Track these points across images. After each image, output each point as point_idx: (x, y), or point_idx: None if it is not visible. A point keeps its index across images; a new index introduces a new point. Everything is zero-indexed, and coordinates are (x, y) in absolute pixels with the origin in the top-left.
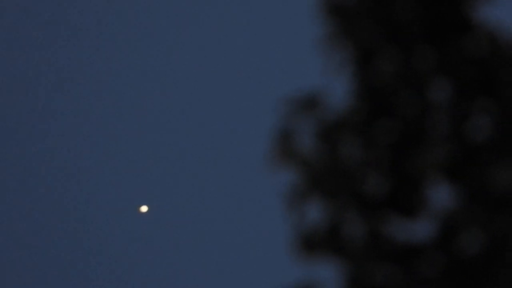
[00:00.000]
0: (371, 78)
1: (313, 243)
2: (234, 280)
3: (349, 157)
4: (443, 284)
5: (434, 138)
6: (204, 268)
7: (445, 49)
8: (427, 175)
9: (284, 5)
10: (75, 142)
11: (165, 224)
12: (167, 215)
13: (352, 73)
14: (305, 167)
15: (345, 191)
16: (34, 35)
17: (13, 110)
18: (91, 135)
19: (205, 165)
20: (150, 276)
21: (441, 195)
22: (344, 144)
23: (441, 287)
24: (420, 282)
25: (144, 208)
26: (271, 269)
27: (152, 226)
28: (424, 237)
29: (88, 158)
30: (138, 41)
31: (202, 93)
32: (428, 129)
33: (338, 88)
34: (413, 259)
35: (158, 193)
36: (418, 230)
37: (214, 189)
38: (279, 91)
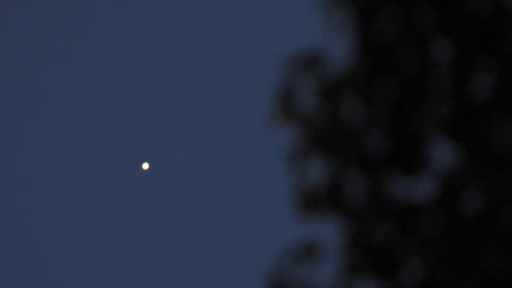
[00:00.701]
0: (372, 36)
1: (314, 201)
2: (235, 238)
3: (350, 115)
4: (445, 242)
5: (435, 97)
6: (205, 227)
7: (447, 7)
8: (428, 134)
9: None
10: (71, 97)
11: (167, 183)
12: (170, 173)
13: (353, 31)
14: (306, 125)
15: (346, 149)
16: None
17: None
18: (89, 90)
19: (206, 122)
20: (152, 235)
21: (442, 154)
22: (345, 102)
23: (443, 246)
24: (421, 241)
25: (145, 166)
26: (272, 228)
27: (154, 184)
28: (425, 196)
29: (85, 113)
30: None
31: (201, 50)
32: (429, 87)
33: (339, 47)
34: (414, 218)
35: (159, 150)
36: (419, 188)
37: (218, 147)
38: (279, 49)
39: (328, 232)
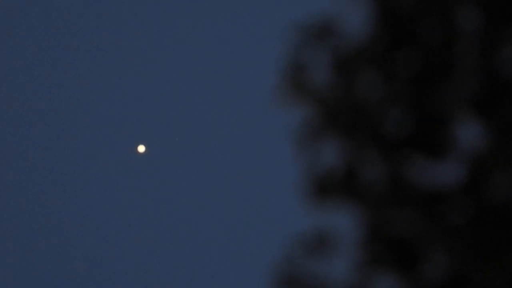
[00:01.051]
0: (392, 3)
1: (327, 187)
2: (239, 228)
3: (367, 91)
4: (471, 233)
5: (462, 71)
6: (207, 215)
7: None
8: (454, 112)
9: None
10: (67, 80)
11: (163, 166)
12: (166, 155)
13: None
14: (318, 103)
15: (363, 129)
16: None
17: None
18: (86, 72)
19: (209, 100)
20: (148, 219)
21: (469, 134)
22: (362, 77)
23: (469, 237)
24: (446, 231)
25: (141, 148)
26: (280, 217)
27: (150, 167)
28: (450, 181)
29: (82, 96)
30: None
31: (205, 20)
32: (454, 60)
33: (355, 15)
34: (439, 206)
35: (156, 132)
36: (444, 173)
37: (219, 127)
38: (287, 18)
39: (343, 221)
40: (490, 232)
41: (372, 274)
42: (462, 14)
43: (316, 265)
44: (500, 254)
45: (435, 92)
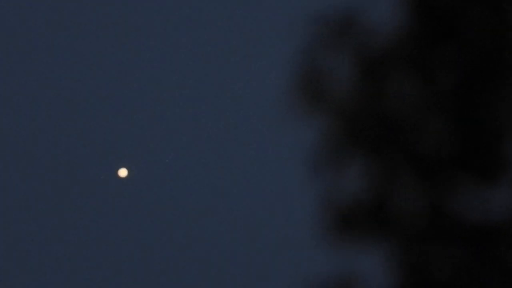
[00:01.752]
0: None
1: (351, 220)
2: (243, 270)
3: (401, 99)
4: None
5: None
6: (200, 253)
7: None
8: (508, 127)
9: None
10: (46, 98)
11: (148, 191)
12: (151, 180)
13: None
14: (340, 114)
15: (396, 147)
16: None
17: None
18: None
19: (201, 109)
20: (130, 247)
21: None
22: (394, 81)
23: None
24: (498, 272)
25: (123, 172)
26: (294, 256)
27: (133, 192)
28: (503, 211)
29: (57, 115)
30: None
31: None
32: (509, 60)
33: (383, 5)
34: (489, 241)
35: (139, 154)
36: (497, 201)
37: (217, 145)
38: (303, 10)
39: (371, 261)
40: None
41: None
42: None
43: None
44: None
45: (485, 101)
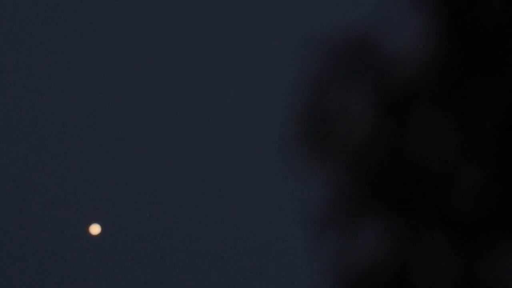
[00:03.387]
0: (463, 16)
1: None
2: None
3: (429, 144)
4: None
5: None
6: None
7: None
8: None
9: None
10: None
11: (122, 249)
12: (125, 237)
13: (432, 9)
14: (355, 162)
15: (422, 204)
16: None
17: None
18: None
19: (185, 158)
20: None
21: None
22: (420, 123)
23: None
24: None
25: (95, 229)
26: None
27: (106, 251)
28: None
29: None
30: None
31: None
32: None
33: (407, 29)
34: None
35: (113, 209)
36: None
37: (200, 199)
38: (311, 32)
39: None
40: None
41: None
42: None
43: None
44: None
45: None
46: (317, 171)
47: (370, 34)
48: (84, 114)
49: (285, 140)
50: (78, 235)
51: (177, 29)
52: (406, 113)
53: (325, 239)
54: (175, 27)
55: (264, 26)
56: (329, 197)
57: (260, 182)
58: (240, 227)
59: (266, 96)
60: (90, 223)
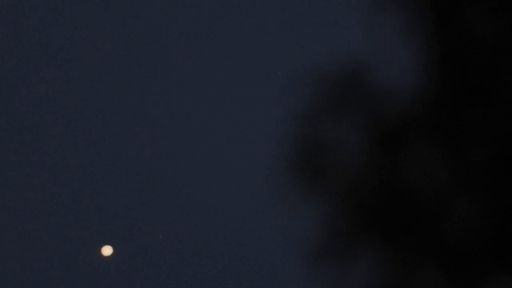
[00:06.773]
0: (457, 44)
1: None
2: None
3: (424, 177)
4: None
5: None
6: None
7: None
8: None
9: None
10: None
11: (134, 271)
12: (138, 258)
13: (427, 35)
14: (348, 195)
15: (416, 236)
16: None
17: None
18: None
19: (189, 187)
20: None
21: None
22: (415, 155)
23: None
24: None
25: (107, 250)
26: None
27: (118, 272)
28: None
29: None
30: None
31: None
32: None
33: (400, 62)
34: None
35: (125, 231)
36: None
37: (202, 227)
38: (301, 66)
39: None
40: None
41: None
42: None
43: None
44: None
45: None
46: (310, 204)
47: (362, 67)
48: (98, 134)
49: (278, 173)
50: (90, 256)
51: (168, 62)
52: (398, 145)
53: (318, 271)
54: (167, 57)
55: (257, 58)
56: (322, 230)
57: (252, 215)
58: (230, 262)
59: (259, 128)
60: (102, 244)
